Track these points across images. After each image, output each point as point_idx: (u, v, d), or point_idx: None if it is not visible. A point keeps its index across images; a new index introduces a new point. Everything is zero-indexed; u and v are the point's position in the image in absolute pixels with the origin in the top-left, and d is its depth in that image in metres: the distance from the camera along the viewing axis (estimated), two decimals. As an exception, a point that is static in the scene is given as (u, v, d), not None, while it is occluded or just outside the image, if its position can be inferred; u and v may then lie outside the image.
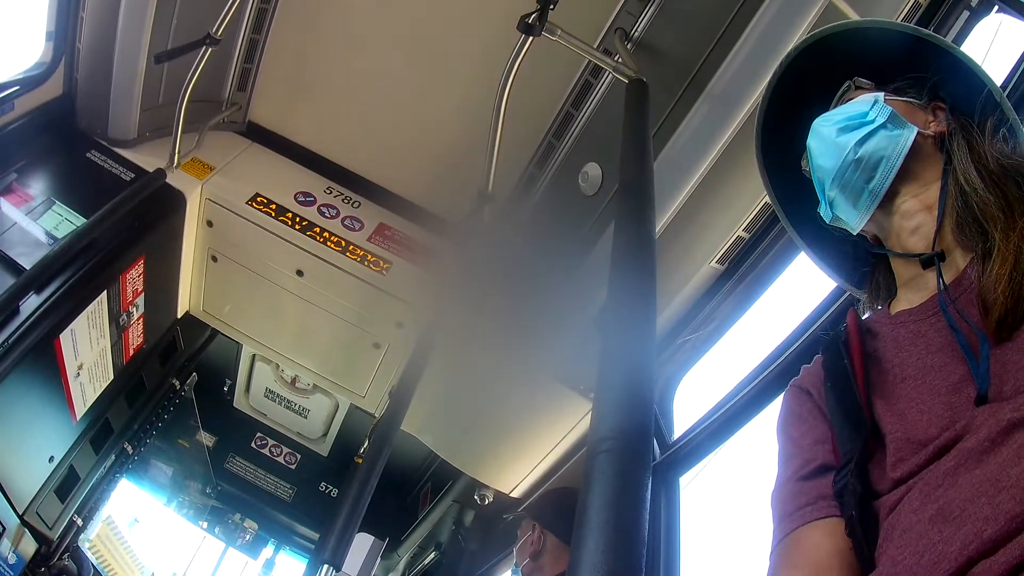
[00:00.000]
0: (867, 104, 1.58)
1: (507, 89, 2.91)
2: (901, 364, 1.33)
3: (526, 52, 2.80)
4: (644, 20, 3.17)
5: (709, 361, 3.65)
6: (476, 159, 3.20)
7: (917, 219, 1.47)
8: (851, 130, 1.56)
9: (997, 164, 1.41)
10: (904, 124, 1.53)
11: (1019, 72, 2.30)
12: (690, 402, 3.64)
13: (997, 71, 2.38)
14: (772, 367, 3.11)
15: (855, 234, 1.61)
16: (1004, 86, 2.30)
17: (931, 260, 1.40)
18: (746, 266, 3.38)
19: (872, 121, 1.54)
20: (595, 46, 3.08)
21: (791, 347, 3.04)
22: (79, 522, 4.40)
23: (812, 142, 1.65)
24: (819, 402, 1.47)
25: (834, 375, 1.44)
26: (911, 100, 1.60)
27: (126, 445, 4.83)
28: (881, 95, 1.60)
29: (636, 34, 3.15)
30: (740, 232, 3.31)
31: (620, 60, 2.84)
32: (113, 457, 4.71)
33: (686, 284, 3.49)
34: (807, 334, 2.95)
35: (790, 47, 1.79)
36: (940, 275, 1.36)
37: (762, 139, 1.90)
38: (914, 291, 1.45)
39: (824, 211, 1.63)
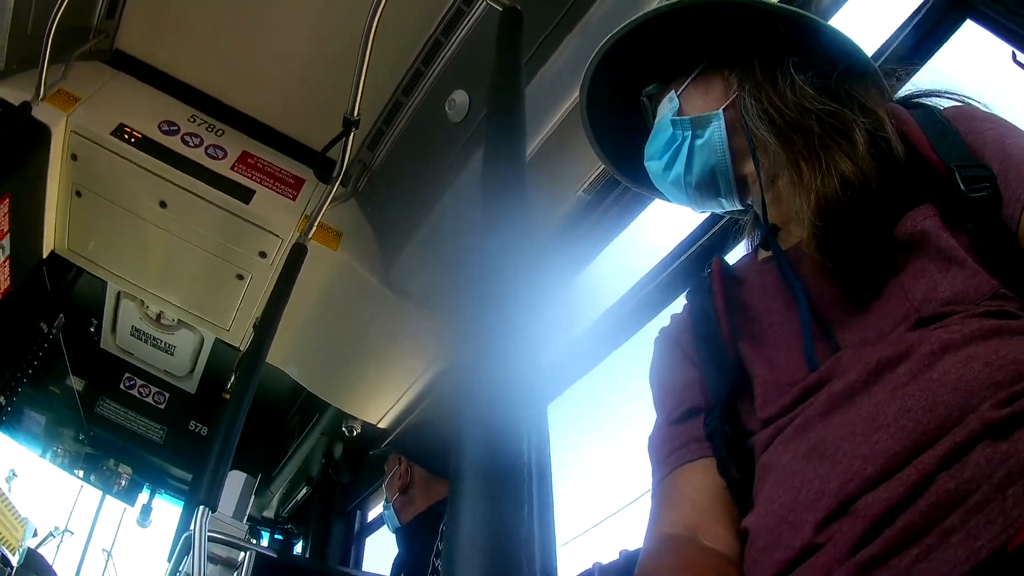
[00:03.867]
0: (668, 124, 1.56)
1: (377, 14, 2.87)
2: (768, 310, 1.37)
3: (399, -23, 2.76)
4: (521, -56, 3.14)
5: (577, 289, 3.69)
6: (342, 86, 3.15)
7: (771, 193, 1.48)
8: (672, 164, 1.55)
9: (791, 109, 1.42)
10: (707, 121, 1.52)
11: (900, 39, 2.34)
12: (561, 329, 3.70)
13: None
14: (640, 294, 3.18)
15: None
16: (880, 53, 2.34)
17: (767, 238, 1.43)
18: (614, 195, 3.41)
19: (683, 140, 1.53)
20: (470, -29, 3.06)
21: (660, 275, 3.10)
22: (-43, 482, 4.30)
23: (657, 184, 1.65)
24: (687, 348, 1.50)
25: (699, 320, 1.47)
26: (702, 73, 1.59)
27: (-1, 396, 4.71)
28: (673, 94, 1.59)
29: (513, -39, 3.12)
30: (608, 161, 3.33)
31: (495, -13, 2.83)
32: (-13, 410, 4.59)
33: (554, 212, 3.51)
34: (677, 262, 3.01)
35: None
36: (777, 248, 1.39)
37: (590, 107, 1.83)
38: (780, 241, 1.46)
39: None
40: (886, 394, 1.03)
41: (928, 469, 0.91)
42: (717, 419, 1.32)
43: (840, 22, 2.69)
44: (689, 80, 1.59)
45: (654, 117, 1.69)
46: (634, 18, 1.66)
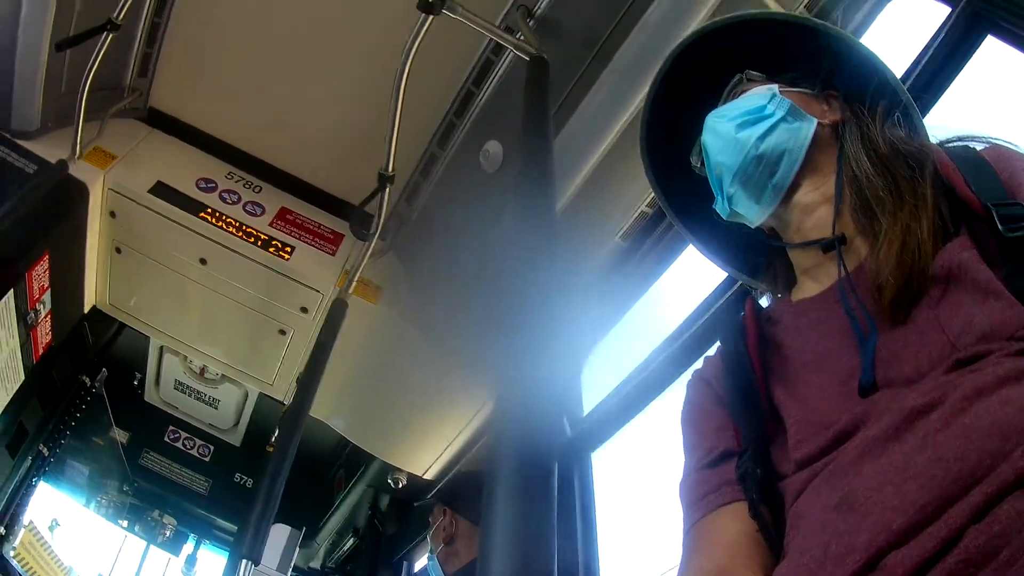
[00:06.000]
0: (764, 98, 1.56)
1: (407, 68, 2.87)
2: (801, 350, 1.34)
3: (427, 31, 2.75)
4: (547, -3, 3.14)
5: (616, 335, 3.68)
6: (377, 140, 3.17)
7: (819, 212, 1.48)
8: (751, 125, 1.54)
9: (888, 147, 1.41)
10: (804, 116, 1.53)
11: (926, 58, 2.32)
12: (600, 377, 3.68)
13: (902, 56, 2.43)
14: (679, 341, 3.15)
15: (753, 227, 1.61)
16: (908, 75, 2.33)
17: (832, 244, 1.40)
18: (651, 241, 3.40)
19: (772, 115, 1.53)
20: (497, 24, 3.06)
21: (697, 321, 3.08)
22: (2, 531, 4.33)
23: (708, 138, 1.62)
24: (719, 391, 1.47)
25: (731, 362, 1.44)
26: (804, 91, 1.60)
27: (42, 447, 4.72)
28: (776, 87, 1.59)
29: (539, 11, 3.11)
30: (644, 207, 3.33)
31: (522, 38, 2.83)
32: (30, 460, 4.61)
33: (591, 260, 3.48)
34: (713, 308, 2.99)
35: (694, 24, 1.78)
36: (841, 258, 1.37)
37: (648, 134, 1.87)
38: (815, 280, 1.46)
39: (721, 207, 1.61)
40: (918, 441, 0.99)
41: (959, 523, 0.87)
42: (749, 461, 1.30)
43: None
44: (795, 90, 1.60)
45: (735, 97, 1.70)
46: (721, 19, 1.73)
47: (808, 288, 1.47)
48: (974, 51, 2.26)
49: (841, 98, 1.58)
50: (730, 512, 1.29)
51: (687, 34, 1.77)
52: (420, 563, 5.07)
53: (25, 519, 5.04)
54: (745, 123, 1.55)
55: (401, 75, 2.89)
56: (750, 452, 1.30)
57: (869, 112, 1.51)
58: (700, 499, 1.35)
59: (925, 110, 2.23)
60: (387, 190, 3.27)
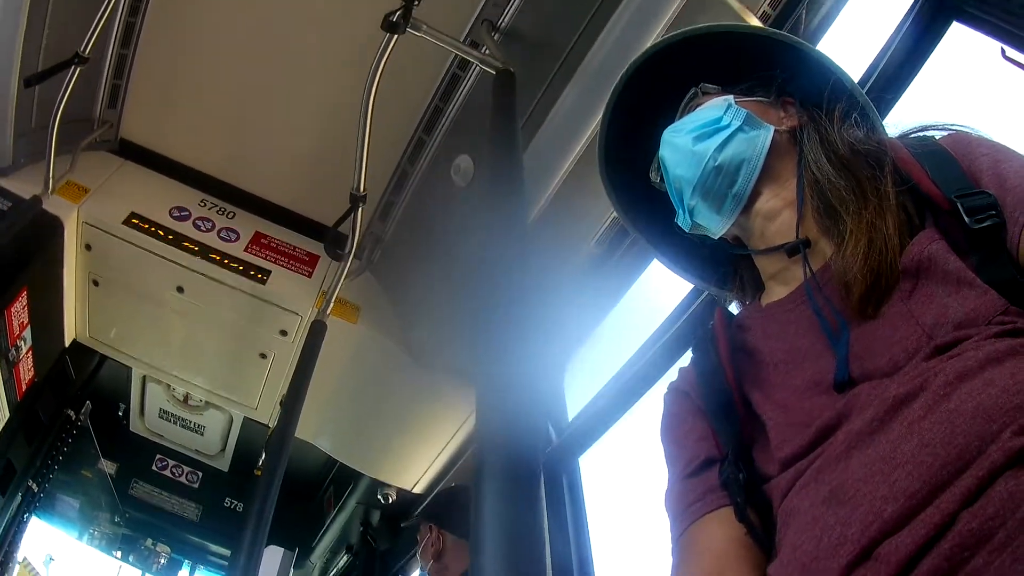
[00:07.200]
0: (720, 109, 1.57)
1: (374, 88, 2.89)
2: (771, 351, 1.36)
3: (392, 50, 2.77)
4: (511, 10, 3.17)
5: (598, 340, 3.69)
6: (348, 160, 3.17)
7: (781, 217, 1.48)
8: (707, 137, 1.54)
9: (847, 148, 1.42)
10: (760, 124, 1.54)
11: (893, 47, 2.34)
12: (586, 382, 3.70)
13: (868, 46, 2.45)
14: (659, 342, 3.16)
15: (716, 238, 1.61)
16: (875, 65, 2.35)
17: (796, 248, 1.41)
18: (626, 245, 3.42)
19: (728, 126, 1.53)
20: (462, 39, 3.08)
21: (678, 320, 3.08)
22: (-4, 570, 4.30)
23: (666, 153, 1.62)
24: (696, 400, 1.48)
25: (705, 371, 1.45)
26: (760, 99, 1.60)
27: (31, 483, 4.69)
28: (731, 98, 1.59)
29: (503, 24, 3.15)
30: (617, 213, 3.33)
31: (487, 52, 2.84)
32: (20, 497, 4.59)
33: (567, 267, 3.49)
34: (694, 306, 2.99)
35: (656, 31, 1.78)
36: (806, 260, 1.38)
37: (607, 153, 1.87)
38: (782, 283, 1.47)
39: (683, 220, 1.61)
40: (903, 430, 1.00)
41: (951, 508, 0.88)
42: (731, 466, 1.30)
43: (828, 42, 2.75)
44: (750, 99, 1.60)
45: (691, 111, 1.69)
46: (675, 33, 1.73)
47: (776, 292, 1.48)
48: (940, 38, 2.27)
49: (798, 103, 1.59)
50: (717, 518, 1.30)
51: (646, 47, 1.78)
52: (416, 577, 5.09)
53: (19, 556, 5.02)
54: (702, 135, 1.55)
55: (368, 95, 2.91)
56: (731, 457, 1.31)
57: (827, 115, 1.51)
58: (686, 508, 1.35)
59: (894, 99, 2.25)
60: (359, 209, 3.27)
